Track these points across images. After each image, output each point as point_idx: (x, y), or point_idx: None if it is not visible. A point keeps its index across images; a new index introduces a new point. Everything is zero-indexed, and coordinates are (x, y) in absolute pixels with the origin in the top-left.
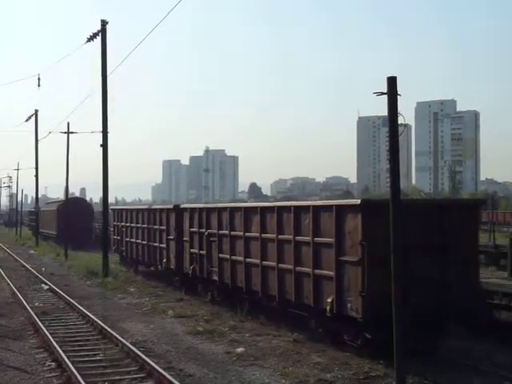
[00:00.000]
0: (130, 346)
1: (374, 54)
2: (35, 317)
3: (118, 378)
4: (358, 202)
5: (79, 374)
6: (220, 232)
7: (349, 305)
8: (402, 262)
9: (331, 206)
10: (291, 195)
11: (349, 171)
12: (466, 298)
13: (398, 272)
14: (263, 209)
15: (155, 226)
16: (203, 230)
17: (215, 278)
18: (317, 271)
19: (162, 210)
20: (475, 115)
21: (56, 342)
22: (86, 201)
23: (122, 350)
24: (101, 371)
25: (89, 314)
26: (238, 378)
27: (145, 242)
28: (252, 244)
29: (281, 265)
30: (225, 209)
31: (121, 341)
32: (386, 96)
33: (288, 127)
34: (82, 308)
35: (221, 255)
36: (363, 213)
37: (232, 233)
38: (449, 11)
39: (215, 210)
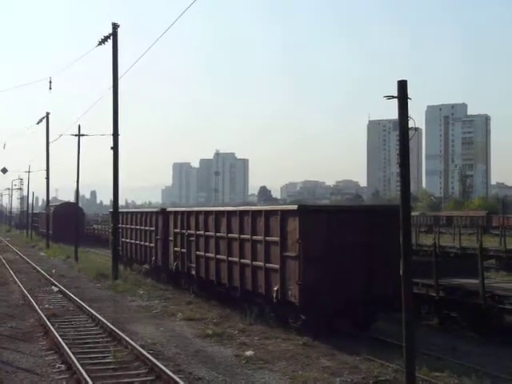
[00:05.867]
0: (140, 348)
1: (384, 57)
2: (45, 319)
3: (127, 380)
4: (296, 207)
5: (88, 376)
6: (197, 232)
7: (289, 292)
8: (337, 257)
9: (277, 210)
10: (301, 199)
11: (359, 175)
12: (388, 287)
13: (407, 277)
14: (229, 212)
15: (146, 228)
16: (184, 231)
17: (193, 272)
18: (267, 265)
19: (151, 213)
20: (486, 119)
21: (66, 344)
22: (77, 205)
23: (131, 353)
24: (110, 373)
25: (99, 316)
26: (247, 381)
27: (138, 242)
28: (221, 242)
29: (242, 260)
30: (200, 212)
31: (130, 343)
32: (396, 100)
33: (299, 131)
34: (91, 310)
35: (197, 253)
36: (300, 216)
37: (206, 233)
38: (460, 14)
39: (193, 213)
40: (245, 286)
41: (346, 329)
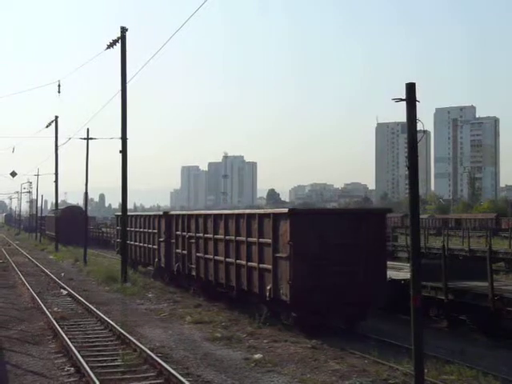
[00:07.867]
0: (148, 351)
1: (393, 59)
2: (54, 322)
3: (135, 383)
4: (286, 210)
5: (98, 379)
6: (197, 235)
7: (281, 291)
8: (326, 257)
9: (270, 213)
10: (309, 201)
11: (367, 178)
12: (374, 285)
13: (417, 280)
14: (226, 216)
15: (150, 230)
16: (185, 234)
17: (194, 273)
18: (261, 265)
19: (155, 216)
20: (495, 121)
21: (75, 346)
22: (80, 208)
23: (140, 356)
24: (119, 376)
25: (107, 319)
26: None
27: (142, 244)
28: (219, 244)
29: (238, 261)
30: (200, 215)
31: (139, 346)
32: (404, 102)
33: (307, 133)
34: (100, 313)
35: (198, 254)
36: (290, 219)
37: (205, 235)
38: (470, 17)
39: (194, 216)
40: (240, 285)
41: (336, 326)
